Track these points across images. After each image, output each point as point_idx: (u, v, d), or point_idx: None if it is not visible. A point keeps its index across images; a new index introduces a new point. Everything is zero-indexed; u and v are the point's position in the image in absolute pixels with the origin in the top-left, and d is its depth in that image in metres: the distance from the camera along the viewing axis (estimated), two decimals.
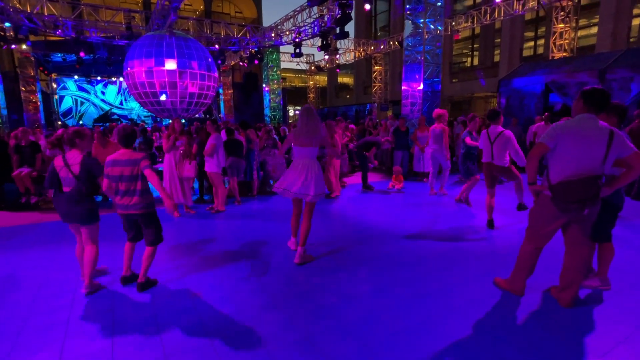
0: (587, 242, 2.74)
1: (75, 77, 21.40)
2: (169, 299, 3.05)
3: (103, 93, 22.71)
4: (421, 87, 9.59)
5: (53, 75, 20.88)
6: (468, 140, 5.68)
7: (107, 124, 18.65)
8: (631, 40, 15.65)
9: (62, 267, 3.73)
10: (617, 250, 3.05)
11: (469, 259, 3.84)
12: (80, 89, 21.87)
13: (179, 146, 5.54)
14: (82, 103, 22.22)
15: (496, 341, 2.41)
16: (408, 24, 9.59)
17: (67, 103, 21.82)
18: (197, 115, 15.52)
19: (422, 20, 9.25)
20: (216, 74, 13.03)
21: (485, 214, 5.04)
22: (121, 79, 21.46)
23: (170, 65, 11.21)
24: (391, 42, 21.42)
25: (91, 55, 17.15)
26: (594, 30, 17.12)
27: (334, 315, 2.77)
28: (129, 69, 11.81)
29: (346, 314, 2.78)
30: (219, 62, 17.12)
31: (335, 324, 2.64)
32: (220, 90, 22.67)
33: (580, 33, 16.53)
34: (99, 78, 21.97)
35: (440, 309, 2.83)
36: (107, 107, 22.78)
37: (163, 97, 12.22)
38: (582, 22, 17.16)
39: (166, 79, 11.32)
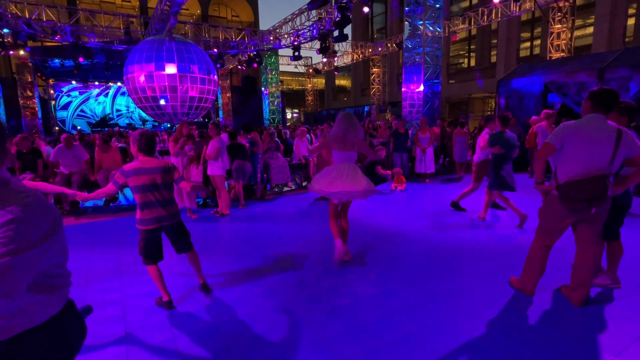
0: (598, 241, 2.75)
1: (71, 85, 21.39)
2: (181, 304, 3.04)
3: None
4: (421, 88, 9.62)
5: (51, 81, 20.82)
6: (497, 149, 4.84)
7: (106, 129, 18.67)
8: (627, 39, 15.78)
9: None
10: (625, 249, 3.07)
11: (478, 259, 3.85)
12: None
13: (188, 151, 5.52)
14: (82, 110, 22.25)
15: (510, 341, 2.42)
16: (407, 26, 9.64)
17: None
18: (196, 120, 15.51)
19: (421, 22, 9.30)
20: (216, 78, 13.04)
21: (491, 213, 5.07)
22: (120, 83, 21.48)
23: (171, 69, 11.21)
24: (389, 44, 21.50)
25: (89, 61, 17.12)
26: (590, 30, 17.25)
27: (346, 316, 2.77)
28: (129, 74, 11.82)
29: (359, 315, 2.78)
30: (218, 65, 17.12)
31: (349, 326, 2.64)
32: (219, 94, 22.69)
33: (576, 33, 16.64)
34: (96, 83, 21.94)
35: (452, 309, 2.84)
36: (108, 109, 22.84)
37: (162, 102, 12.22)
38: (578, 22, 17.29)
39: (166, 83, 11.32)
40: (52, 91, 21.10)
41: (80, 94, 21.91)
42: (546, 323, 2.62)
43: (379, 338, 2.49)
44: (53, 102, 21.10)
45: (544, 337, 2.45)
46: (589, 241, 2.74)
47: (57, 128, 20.58)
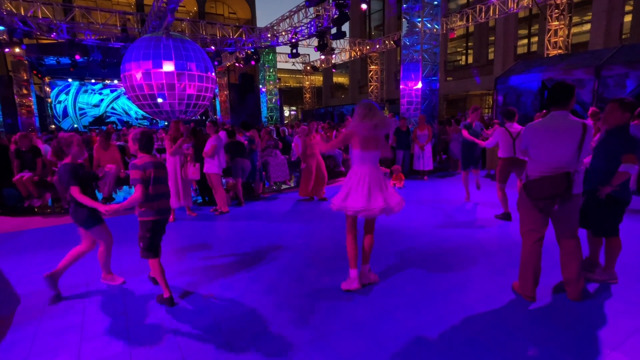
0: (574, 234, 2.79)
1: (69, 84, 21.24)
2: (182, 301, 3.05)
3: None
4: (419, 86, 9.63)
5: (47, 78, 20.70)
6: (465, 133, 5.81)
7: (104, 127, 18.59)
8: (623, 37, 15.83)
9: (69, 271, 3.71)
10: (622, 243, 3.09)
11: (477, 255, 3.88)
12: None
13: (185, 150, 5.49)
14: (81, 109, 22.15)
15: (509, 335, 2.44)
16: (405, 23, 9.63)
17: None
18: (194, 117, 15.49)
19: (419, 19, 9.29)
20: (214, 75, 13.01)
21: (490, 209, 5.10)
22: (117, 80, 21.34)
23: (168, 67, 11.18)
24: (386, 42, 21.49)
25: (85, 58, 17.02)
26: (587, 27, 17.30)
27: (346, 313, 2.79)
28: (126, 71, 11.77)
29: (359, 312, 2.80)
30: (215, 63, 17.08)
31: (349, 323, 2.66)
32: (216, 92, 22.62)
33: (574, 30, 16.70)
34: (93, 81, 21.83)
35: (451, 306, 2.86)
36: (105, 105, 22.75)
37: (160, 100, 12.18)
38: (575, 19, 17.34)
39: (164, 81, 11.28)
40: (48, 89, 20.97)
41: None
42: (544, 318, 2.65)
43: (379, 334, 2.51)
44: (49, 100, 20.97)
45: (542, 332, 2.48)
46: (567, 236, 2.79)
47: (53, 126, 20.46)
